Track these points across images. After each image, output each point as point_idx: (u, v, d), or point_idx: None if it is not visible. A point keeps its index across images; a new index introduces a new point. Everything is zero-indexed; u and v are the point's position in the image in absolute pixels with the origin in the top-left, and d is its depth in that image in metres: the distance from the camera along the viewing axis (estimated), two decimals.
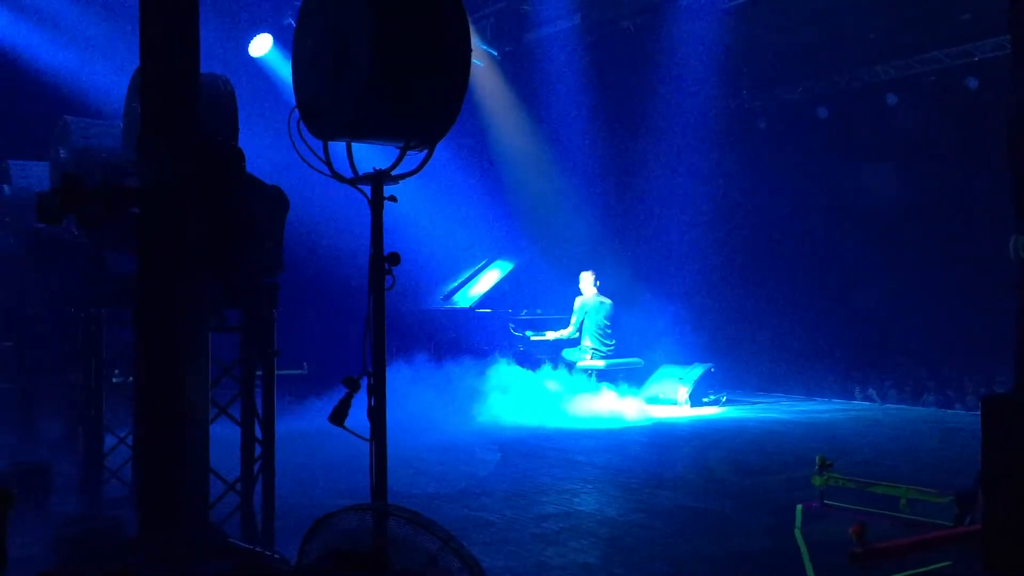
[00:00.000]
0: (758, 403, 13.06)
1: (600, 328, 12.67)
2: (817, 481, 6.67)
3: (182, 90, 4.23)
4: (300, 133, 4.07)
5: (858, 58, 14.21)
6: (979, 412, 5.03)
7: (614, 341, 12.73)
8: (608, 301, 12.82)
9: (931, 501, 6.19)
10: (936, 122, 13.92)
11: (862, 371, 14.20)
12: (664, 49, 13.74)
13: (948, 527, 5.76)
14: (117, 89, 6.46)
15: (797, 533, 6.01)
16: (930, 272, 13.95)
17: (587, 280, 12.87)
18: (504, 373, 12.15)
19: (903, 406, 12.82)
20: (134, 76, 5.65)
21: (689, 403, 12.25)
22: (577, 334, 12.82)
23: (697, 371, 12.57)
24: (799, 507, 6.63)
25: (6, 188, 8.49)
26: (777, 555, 5.59)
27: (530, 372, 12.42)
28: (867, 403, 13.13)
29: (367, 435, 4.01)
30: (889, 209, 14.57)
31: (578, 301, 12.84)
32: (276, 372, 5.37)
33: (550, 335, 13.11)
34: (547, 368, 12.63)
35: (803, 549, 5.62)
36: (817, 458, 6.69)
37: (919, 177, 14.19)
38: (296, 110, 4.10)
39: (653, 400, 12.36)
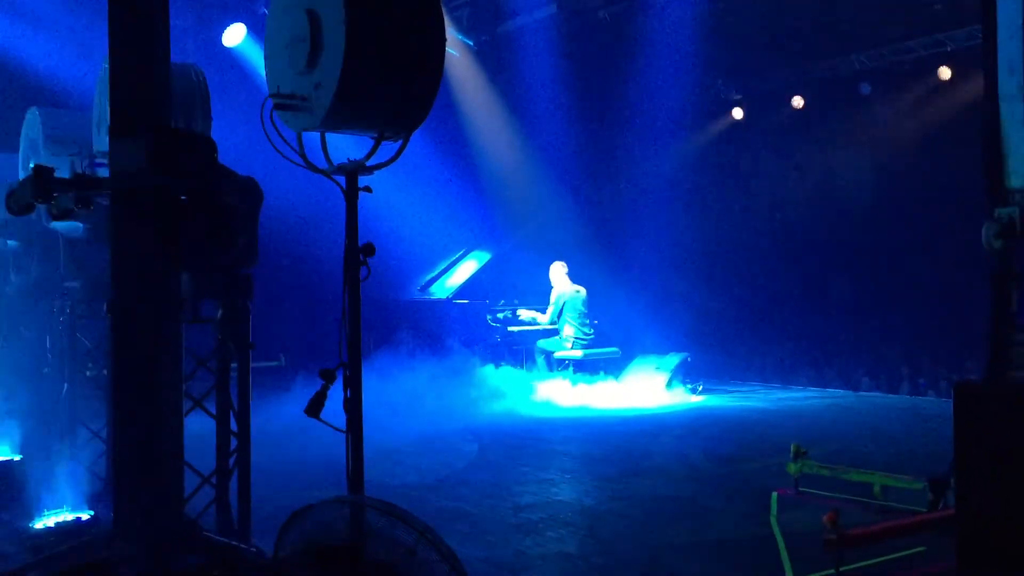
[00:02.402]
0: (734, 392, 13.13)
1: (580, 317, 12.66)
2: (792, 468, 6.73)
3: (153, 80, 4.18)
4: (273, 123, 4.02)
5: (833, 48, 14.29)
6: (951, 399, 5.08)
7: (593, 330, 12.73)
8: (583, 290, 12.82)
9: (905, 487, 6.25)
10: (910, 111, 14.03)
11: (837, 359, 14.33)
12: (640, 39, 13.75)
13: (922, 513, 5.81)
14: (87, 78, 6.37)
15: (772, 520, 6.06)
16: (903, 261, 14.08)
17: (559, 271, 12.84)
18: (482, 364, 12.16)
19: (877, 394, 12.95)
20: (104, 65, 5.58)
21: (666, 392, 12.28)
22: (554, 324, 12.80)
23: (674, 360, 12.60)
24: (774, 495, 6.69)
25: None
26: (753, 542, 5.64)
27: (508, 363, 12.42)
28: (842, 391, 13.24)
29: (344, 427, 3.99)
30: (864, 198, 14.70)
31: (554, 293, 12.80)
32: (252, 364, 5.33)
33: (525, 314, 13.08)
34: (524, 359, 12.65)
35: (778, 536, 5.66)
36: (792, 446, 6.74)
37: (893, 166, 14.31)
38: (269, 99, 4.05)
39: (631, 388, 12.39)
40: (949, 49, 13.23)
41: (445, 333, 12.85)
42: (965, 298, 11.08)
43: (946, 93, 13.41)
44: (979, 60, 5.54)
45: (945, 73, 13.32)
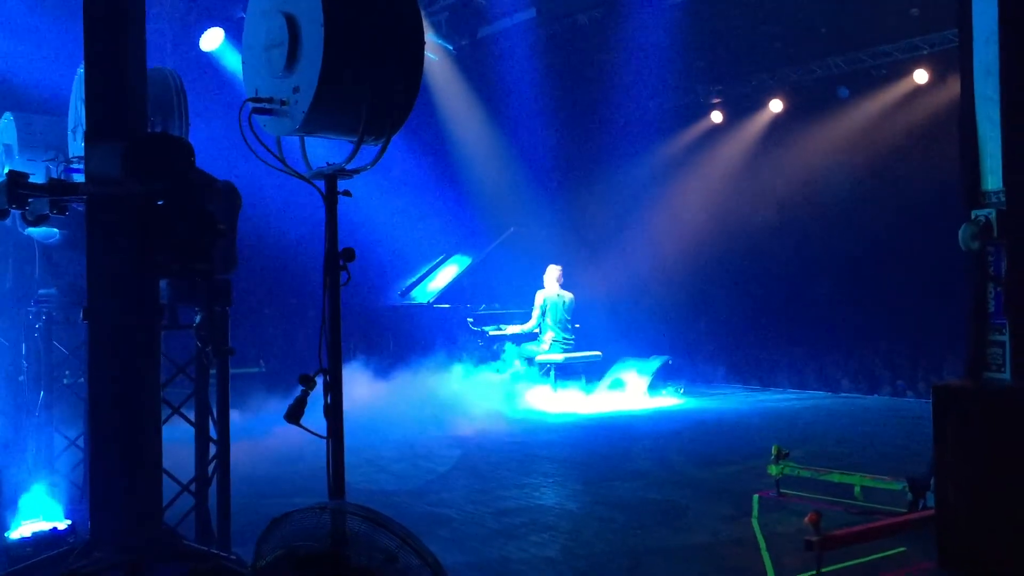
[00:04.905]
0: (715, 394, 13.17)
1: (561, 322, 12.66)
2: (773, 470, 6.74)
3: (129, 85, 4.14)
4: (252, 127, 3.99)
5: (810, 52, 14.37)
6: (930, 400, 5.11)
7: (574, 336, 12.72)
8: (569, 295, 12.82)
9: (885, 488, 6.28)
10: (887, 114, 14.13)
11: (817, 361, 14.39)
12: (619, 43, 13.79)
13: (902, 513, 5.84)
14: (63, 82, 6.32)
15: (754, 523, 6.07)
16: (882, 263, 14.16)
17: (552, 274, 12.84)
18: (463, 368, 12.13)
19: (857, 395, 13.02)
20: (80, 70, 5.53)
21: (648, 395, 12.31)
22: (538, 328, 12.79)
23: (655, 363, 12.63)
24: (756, 497, 6.70)
25: None
26: (735, 545, 5.64)
27: (489, 367, 12.40)
28: (822, 392, 13.31)
29: (324, 433, 3.96)
30: (842, 200, 14.77)
31: (539, 296, 12.81)
32: (231, 371, 5.29)
33: (509, 329, 13.06)
34: (506, 363, 12.62)
35: (760, 539, 5.67)
36: (773, 448, 6.76)
37: (871, 168, 14.39)
38: (247, 103, 4.02)
39: (613, 390, 12.40)
40: (925, 53, 13.34)
41: (426, 338, 12.81)
42: (943, 299, 11.14)
43: (923, 96, 13.53)
44: (955, 63, 5.59)
45: (921, 76, 13.44)
